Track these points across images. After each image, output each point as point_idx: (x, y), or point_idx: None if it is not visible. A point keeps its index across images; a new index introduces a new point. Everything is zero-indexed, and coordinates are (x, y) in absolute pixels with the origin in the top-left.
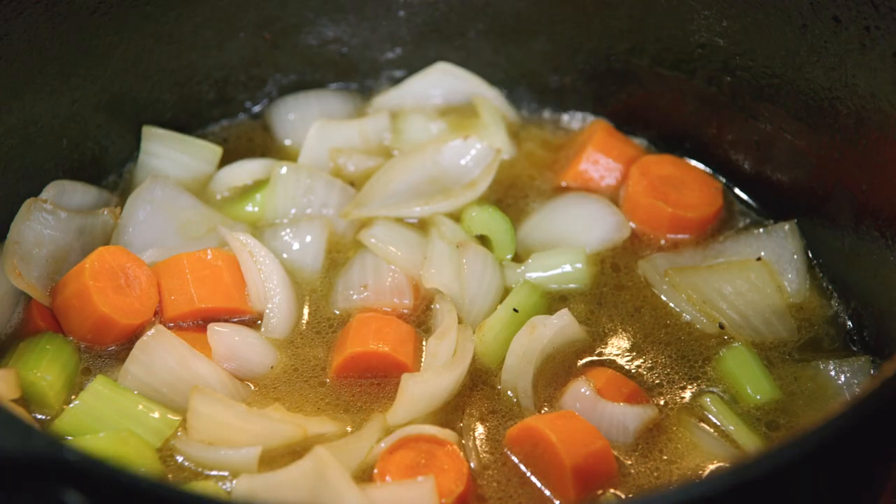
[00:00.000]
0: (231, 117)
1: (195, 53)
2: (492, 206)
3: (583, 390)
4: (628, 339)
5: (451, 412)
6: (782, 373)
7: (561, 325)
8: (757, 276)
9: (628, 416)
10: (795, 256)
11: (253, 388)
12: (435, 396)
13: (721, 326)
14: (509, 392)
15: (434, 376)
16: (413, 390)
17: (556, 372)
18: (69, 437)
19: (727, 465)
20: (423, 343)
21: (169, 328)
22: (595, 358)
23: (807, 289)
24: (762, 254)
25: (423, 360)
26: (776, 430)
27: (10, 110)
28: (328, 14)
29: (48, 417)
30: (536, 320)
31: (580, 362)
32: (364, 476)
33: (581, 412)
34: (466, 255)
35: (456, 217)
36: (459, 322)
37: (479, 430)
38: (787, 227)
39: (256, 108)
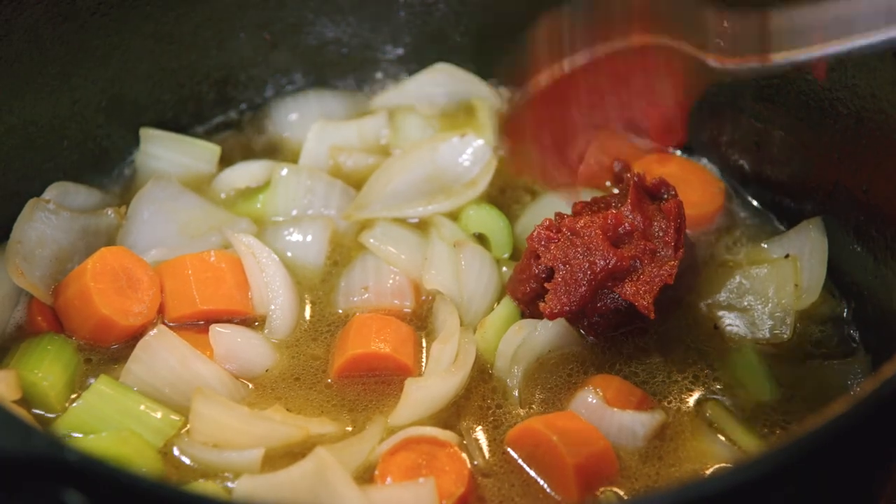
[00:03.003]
0: (231, 118)
1: (195, 53)
2: (489, 205)
3: (590, 399)
4: (629, 339)
5: (452, 413)
6: (783, 373)
7: (547, 327)
8: (769, 276)
9: (637, 423)
10: (813, 256)
11: (254, 388)
12: (437, 400)
13: (715, 327)
14: (510, 389)
15: (438, 381)
16: (417, 395)
17: (552, 374)
18: (71, 437)
19: (727, 465)
20: (424, 344)
21: (171, 328)
22: (594, 358)
23: (820, 289)
24: (787, 254)
25: (424, 362)
26: (776, 431)
27: (10, 110)
28: (328, 14)
29: (50, 417)
30: (523, 323)
31: (580, 365)
32: (365, 477)
33: (589, 420)
34: (464, 253)
35: (454, 216)
36: (461, 325)
37: (480, 430)
38: (810, 225)
39: (257, 109)
